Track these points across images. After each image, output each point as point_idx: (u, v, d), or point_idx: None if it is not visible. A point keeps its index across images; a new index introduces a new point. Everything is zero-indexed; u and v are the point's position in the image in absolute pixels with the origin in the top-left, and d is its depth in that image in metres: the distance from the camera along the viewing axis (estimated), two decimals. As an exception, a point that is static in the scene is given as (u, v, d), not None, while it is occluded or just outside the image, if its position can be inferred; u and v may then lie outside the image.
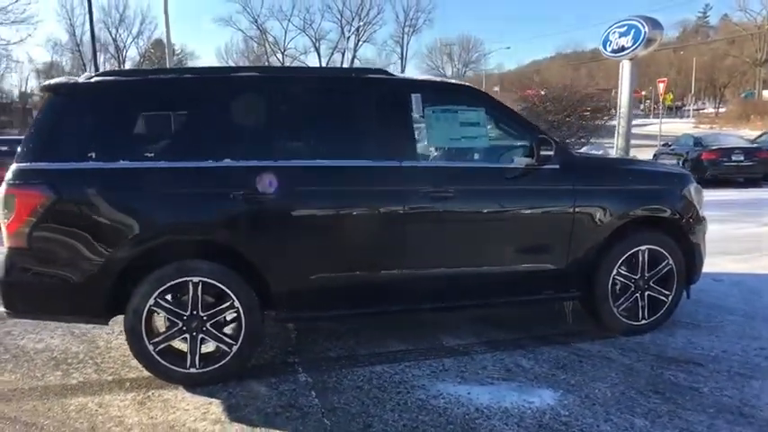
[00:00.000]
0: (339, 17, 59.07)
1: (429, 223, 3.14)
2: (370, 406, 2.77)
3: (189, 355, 2.95)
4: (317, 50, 61.63)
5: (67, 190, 2.76)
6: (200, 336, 2.96)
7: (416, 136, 3.26)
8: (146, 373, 3.02)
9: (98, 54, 56.10)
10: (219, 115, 2.98)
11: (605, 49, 12.54)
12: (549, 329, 3.73)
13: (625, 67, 12.27)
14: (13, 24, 26.17)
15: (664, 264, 3.59)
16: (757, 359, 3.24)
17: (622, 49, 12.07)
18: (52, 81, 2.95)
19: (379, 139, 3.14)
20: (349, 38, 60.72)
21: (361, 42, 61.71)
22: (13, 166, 2.77)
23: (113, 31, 54.80)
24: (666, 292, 3.64)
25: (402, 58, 63.51)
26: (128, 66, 51.81)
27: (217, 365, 3.00)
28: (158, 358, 2.92)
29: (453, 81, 3.66)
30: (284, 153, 3.01)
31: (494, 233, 3.30)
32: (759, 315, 3.97)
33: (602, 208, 3.42)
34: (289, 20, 63.46)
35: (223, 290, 2.94)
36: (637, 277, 3.56)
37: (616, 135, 12.80)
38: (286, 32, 66.61)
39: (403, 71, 63.55)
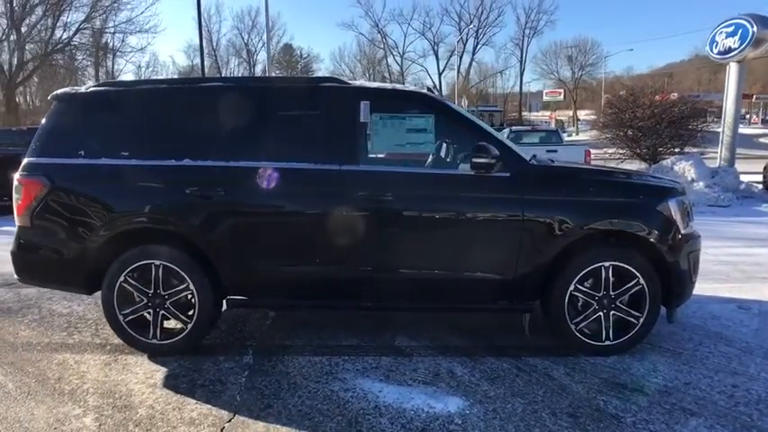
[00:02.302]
0: (458, 20, 59.10)
1: (364, 225, 3.27)
2: (283, 390, 2.99)
3: (151, 328, 3.40)
4: (436, 54, 62.23)
5: (59, 181, 3.35)
6: (162, 312, 3.40)
7: (364, 142, 3.40)
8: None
9: (231, 58, 61.77)
10: (182, 119, 3.40)
11: (712, 51, 11.32)
12: (511, 341, 3.64)
13: (732, 71, 11.00)
14: (139, 33, 30.59)
15: (633, 283, 3.34)
16: (717, 396, 2.91)
17: (729, 50, 10.84)
18: (58, 91, 3.58)
19: (322, 144, 3.34)
20: (467, 41, 60.48)
21: (479, 45, 61.20)
22: (24, 161, 3.42)
23: (245, 37, 60.13)
24: (636, 314, 3.37)
25: (521, 62, 61.81)
26: (258, 69, 56.52)
27: (174, 339, 3.42)
28: (127, 328, 3.41)
29: (405, 88, 3.71)
30: (236, 154, 3.33)
31: (432, 239, 3.32)
32: (761, 351, 3.50)
33: (556, 219, 3.28)
34: (408, 23, 64.87)
35: (180, 273, 3.35)
36: (599, 295, 3.36)
37: (720, 144, 11.49)
38: (405, 36, 68.07)
39: (522, 74, 61.95)
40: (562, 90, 50.44)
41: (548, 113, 52.74)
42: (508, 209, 3.29)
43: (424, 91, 3.65)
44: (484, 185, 3.30)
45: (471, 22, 58.28)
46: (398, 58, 62.80)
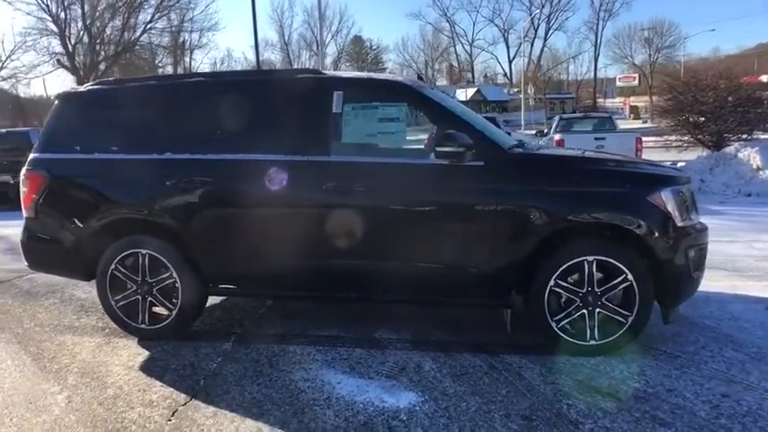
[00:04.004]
0: (528, 5, 57.14)
1: (333, 216, 3.25)
2: (246, 377, 3.06)
3: (140, 314, 3.59)
4: (506, 40, 60.64)
5: (57, 175, 3.60)
6: (149, 298, 3.58)
7: (337, 132, 3.36)
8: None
9: (302, 51, 63.50)
10: (164, 115, 3.54)
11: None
12: (494, 337, 3.48)
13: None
14: (200, 31, 32.70)
15: (620, 279, 3.08)
16: (700, 407, 2.62)
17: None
18: (61, 91, 3.84)
19: (295, 135, 3.34)
20: (539, 26, 58.38)
21: (551, 31, 58.90)
22: (30, 156, 3.71)
23: (315, 30, 61.41)
24: (625, 313, 3.12)
25: (596, 46, 58.79)
26: (328, 61, 57.78)
27: (161, 325, 3.59)
28: (119, 313, 3.62)
29: (380, 76, 3.62)
30: (212, 148, 3.42)
31: (402, 230, 3.24)
32: None
33: (532, 210, 3.09)
34: (477, 11, 63.57)
35: (164, 262, 3.51)
36: (583, 291, 3.13)
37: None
38: (474, 24, 66.76)
39: (596, 59, 58.93)
40: (637, 75, 47.34)
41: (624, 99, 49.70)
42: (482, 199, 3.14)
43: (400, 79, 3.56)
44: (456, 175, 3.17)
45: (543, 7, 56.11)
46: (467, 47, 61.79)
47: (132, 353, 3.45)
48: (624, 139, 9.97)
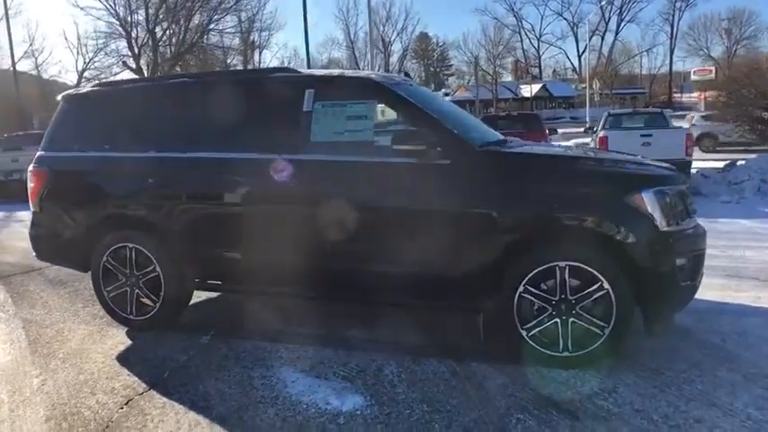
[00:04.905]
0: (599, -3, 54.50)
1: (302, 215, 3.24)
2: (208, 371, 3.11)
3: (128, 304, 3.75)
4: (575, 34, 58.29)
5: (58, 172, 3.84)
6: (136, 290, 3.73)
7: (308, 130, 3.33)
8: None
9: (367, 49, 64.50)
10: (149, 115, 3.67)
11: None
12: (469, 344, 3.33)
13: None
14: (267, 31, 34.18)
15: (595, 287, 2.85)
16: (657, 428, 2.37)
17: None
18: (64, 92, 4.07)
19: (268, 134, 3.36)
20: (610, 19, 55.67)
21: (624, 23, 55.97)
22: (36, 154, 3.98)
23: (381, 28, 62.03)
24: (601, 324, 2.88)
25: (671, 38, 55.19)
26: (394, 59, 58.10)
27: (146, 316, 3.73)
28: (110, 303, 3.80)
29: (351, 73, 3.52)
30: (190, 146, 3.51)
31: (368, 230, 3.16)
32: None
33: (501, 211, 2.93)
34: (545, 4, 61.58)
35: (149, 257, 3.64)
36: (555, 299, 2.93)
37: None
38: (542, 18, 64.88)
39: (671, 52, 55.31)
40: (713, 68, 43.83)
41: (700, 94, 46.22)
42: (446, 199, 3.02)
43: (373, 76, 3.46)
44: (422, 174, 3.06)
45: (615, -1, 53.32)
46: (534, 42, 59.94)
47: (117, 342, 3.62)
48: (673, 136, 9.25)
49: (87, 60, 31.87)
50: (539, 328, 2.97)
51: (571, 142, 14.63)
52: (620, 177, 2.96)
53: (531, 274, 2.92)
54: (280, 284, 3.47)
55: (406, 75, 4.64)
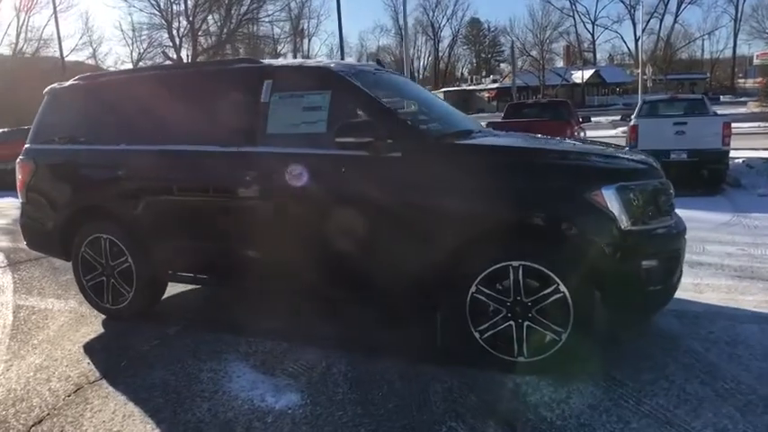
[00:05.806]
0: (658, -23, 51.69)
1: (257, 207, 3.19)
2: (161, 362, 3.13)
3: (104, 294, 3.84)
4: (632, 17, 55.52)
5: (41, 164, 3.96)
6: (111, 280, 3.81)
7: (266, 122, 3.26)
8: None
9: (418, 36, 63.97)
10: (120, 108, 3.70)
11: None
12: (429, 344, 3.19)
13: None
14: (317, 18, 35.33)
15: (551, 289, 2.65)
16: (603, 448, 2.17)
17: None
18: (49, 86, 4.18)
19: (228, 126, 3.32)
20: (669, 1, 52.65)
21: (684, 5, 52.81)
22: (24, 146, 4.11)
23: (430, 14, 61.17)
24: (557, 329, 2.68)
25: (736, 20, 51.56)
26: (444, 45, 57.30)
27: (120, 306, 3.81)
28: (89, 292, 3.91)
29: (309, 63, 3.39)
30: (158, 139, 3.51)
31: (319, 224, 3.06)
32: (744, 399, 2.46)
33: (449, 208, 2.77)
34: (601, -15, 58.88)
35: (121, 248, 3.71)
36: (510, 301, 2.75)
37: None
38: (597, 1, 62.12)
39: (735, 35, 51.74)
40: (778, 51, 40.55)
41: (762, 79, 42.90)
42: (397, 194, 2.88)
43: (331, 65, 3.33)
44: (373, 167, 2.94)
45: (674, -22, 50.34)
46: (589, 26, 57.58)
47: (90, 330, 3.71)
48: (709, 124, 8.57)
49: (141, 51, 33.35)
50: (492, 331, 2.80)
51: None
52: (579, 172, 2.72)
53: (483, 274, 2.75)
54: (239, 278, 3.45)
55: (378, 62, 4.51)
